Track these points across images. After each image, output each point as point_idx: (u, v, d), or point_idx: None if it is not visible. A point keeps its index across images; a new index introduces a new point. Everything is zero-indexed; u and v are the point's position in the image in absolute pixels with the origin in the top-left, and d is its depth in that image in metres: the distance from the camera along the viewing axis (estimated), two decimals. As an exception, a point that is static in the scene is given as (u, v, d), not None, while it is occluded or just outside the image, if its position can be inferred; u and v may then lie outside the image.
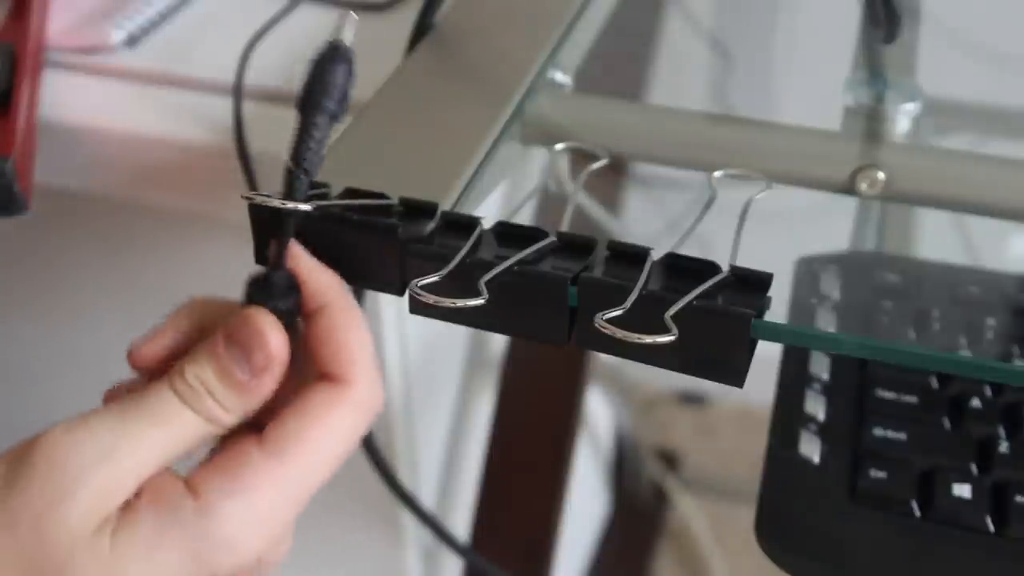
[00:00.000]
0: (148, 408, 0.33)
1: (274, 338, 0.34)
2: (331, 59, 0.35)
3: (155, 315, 0.71)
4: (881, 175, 0.42)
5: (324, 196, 0.37)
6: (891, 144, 0.44)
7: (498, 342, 0.79)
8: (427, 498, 0.75)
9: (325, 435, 0.34)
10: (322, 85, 0.34)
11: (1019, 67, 0.77)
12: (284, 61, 0.59)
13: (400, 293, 0.36)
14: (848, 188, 0.43)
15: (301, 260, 0.35)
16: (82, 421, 0.33)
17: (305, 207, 0.34)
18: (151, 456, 0.32)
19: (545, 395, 0.78)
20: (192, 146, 0.56)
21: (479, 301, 0.33)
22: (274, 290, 0.35)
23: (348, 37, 0.35)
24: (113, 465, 0.32)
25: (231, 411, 0.34)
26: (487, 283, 0.33)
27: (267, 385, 0.34)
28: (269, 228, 0.36)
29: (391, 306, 0.61)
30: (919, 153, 0.44)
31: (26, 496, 0.31)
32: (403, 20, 0.53)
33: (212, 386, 0.33)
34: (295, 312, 0.35)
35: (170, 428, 0.33)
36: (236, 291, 0.66)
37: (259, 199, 0.35)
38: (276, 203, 0.34)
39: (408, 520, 0.71)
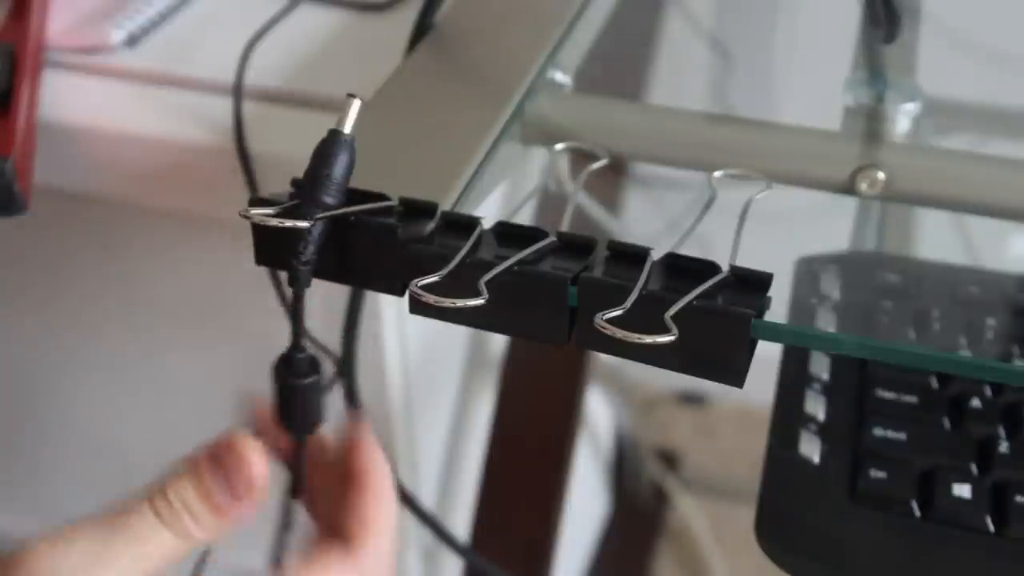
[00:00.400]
0: (127, 527, 0.34)
1: (256, 465, 0.35)
2: (332, 148, 0.35)
3: (154, 315, 0.71)
4: (881, 175, 0.42)
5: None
6: (891, 144, 0.44)
7: (498, 342, 0.79)
8: (427, 498, 0.75)
9: None
10: (321, 177, 0.35)
11: (1019, 67, 0.77)
12: (284, 61, 0.59)
13: (400, 293, 0.36)
14: (848, 188, 0.43)
15: (363, 441, 0.39)
16: (63, 538, 0.34)
17: (304, 224, 0.34)
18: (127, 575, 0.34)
19: (545, 395, 0.78)
20: (192, 146, 0.56)
21: (479, 301, 0.33)
22: (298, 370, 0.37)
23: (349, 124, 0.35)
24: None
25: (207, 530, 0.35)
26: (487, 283, 0.33)
27: (245, 509, 0.36)
28: (269, 236, 0.36)
29: (391, 306, 0.61)
30: (919, 153, 0.44)
31: None
32: (403, 20, 0.53)
33: (192, 506, 0.35)
34: (316, 389, 0.37)
35: (147, 548, 0.34)
36: (235, 291, 0.66)
37: (257, 218, 0.35)
38: (274, 223, 0.34)
39: (408, 520, 0.71)
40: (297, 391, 0.37)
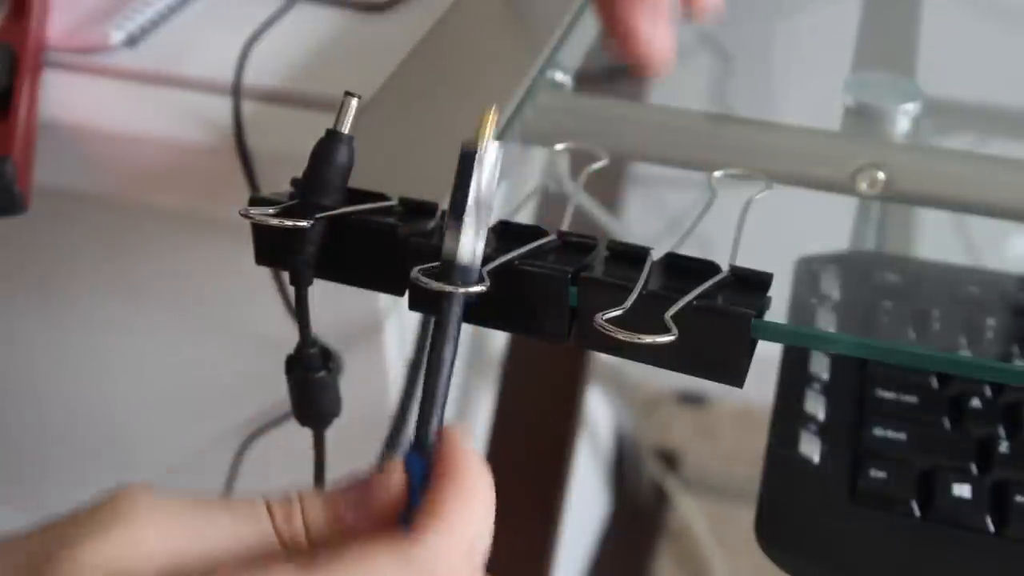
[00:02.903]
0: (230, 508, 0.31)
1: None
2: (331, 148, 0.35)
3: (154, 315, 0.71)
4: (881, 175, 0.42)
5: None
6: (891, 144, 0.44)
7: (498, 342, 0.79)
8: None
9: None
10: (321, 176, 0.35)
11: (1019, 67, 0.77)
12: (284, 61, 0.59)
13: (400, 293, 0.36)
14: (848, 188, 0.43)
15: (458, 435, 0.34)
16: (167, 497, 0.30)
17: (304, 224, 0.34)
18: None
19: (545, 395, 0.78)
20: (192, 146, 0.56)
21: (480, 288, 0.32)
22: (309, 365, 0.37)
23: (347, 123, 0.35)
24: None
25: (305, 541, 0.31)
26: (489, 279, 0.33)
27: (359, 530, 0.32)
28: (268, 236, 0.36)
29: (391, 306, 0.61)
30: (919, 153, 0.44)
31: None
32: (403, 20, 0.53)
33: (311, 509, 0.32)
34: (328, 383, 0.38)
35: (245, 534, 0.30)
36: (235, 291, 0.66)
37: (258, 218, 0.35)
38: (275, 222, 0.34)
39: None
40: (310, 385, 0.37)
